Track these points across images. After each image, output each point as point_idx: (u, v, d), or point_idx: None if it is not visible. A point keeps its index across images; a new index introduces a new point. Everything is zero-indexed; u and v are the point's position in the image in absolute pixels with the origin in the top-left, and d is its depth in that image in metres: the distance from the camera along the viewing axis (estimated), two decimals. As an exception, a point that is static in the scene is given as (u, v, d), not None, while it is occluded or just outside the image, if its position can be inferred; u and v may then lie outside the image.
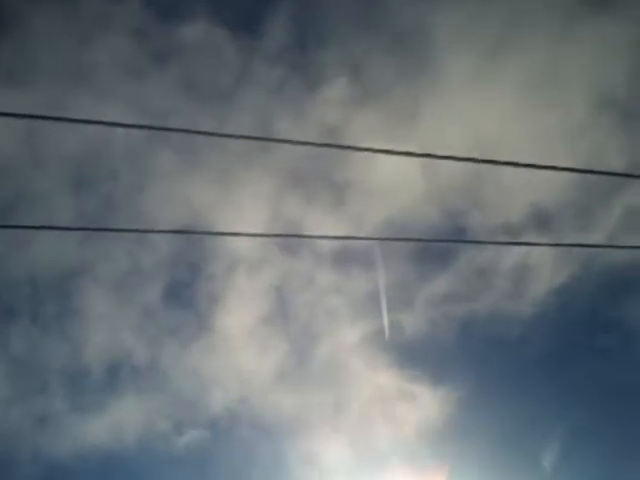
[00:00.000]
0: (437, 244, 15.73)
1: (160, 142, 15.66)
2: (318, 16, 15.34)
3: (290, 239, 15.70)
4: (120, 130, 15.53)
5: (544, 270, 15.39)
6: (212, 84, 15.68)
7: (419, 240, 10.77)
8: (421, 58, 15.15)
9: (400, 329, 15.92)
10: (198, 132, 5.14)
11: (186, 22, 15.48)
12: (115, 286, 16.04)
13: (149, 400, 15.98)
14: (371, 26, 15.16)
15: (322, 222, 15.64)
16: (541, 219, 15.02)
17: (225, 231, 15.86)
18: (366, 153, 15.33)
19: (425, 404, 15.59)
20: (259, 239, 15.71)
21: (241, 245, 15.96)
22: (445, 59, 15.11)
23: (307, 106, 15.30)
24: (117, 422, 15.57)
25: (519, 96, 15.27)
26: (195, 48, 15.59)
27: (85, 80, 15.34)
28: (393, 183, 15.20)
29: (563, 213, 15.03)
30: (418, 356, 15.99)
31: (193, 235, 15.83)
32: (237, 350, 16.10)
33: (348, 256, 15.96)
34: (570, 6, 15.13)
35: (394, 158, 15.39)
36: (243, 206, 15.52)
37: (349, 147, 5.50)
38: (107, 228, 7.93)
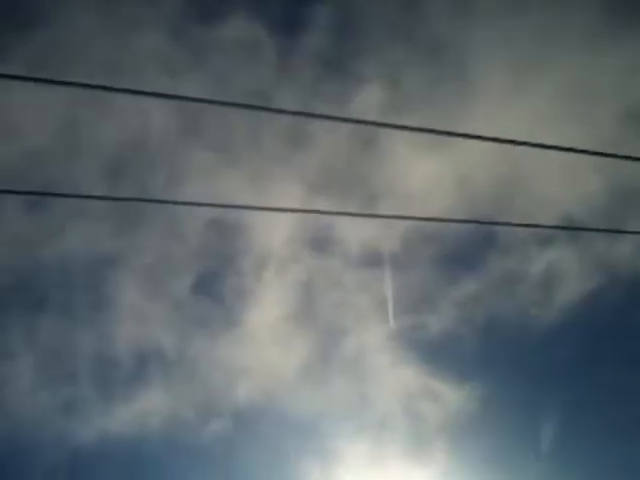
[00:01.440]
0: (465, 249, 15.98)
1: (196, 137, 15.91)
2: (356, 21, 15.58)
3: (319, 238, 15.91)
4: (157, 123, 15.72)
5: (571, 277, 15.65)
6: (249, 82, 15.89)
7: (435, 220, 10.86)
8: (456, 69, 15.45)
9: (425, 328, 16.19)
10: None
11: (225, 19, 15.71)
12: (146, 277, 16.27)
13: (175, 390, 16.23)
14: (408, 35, 15.43)
15: (352, 224, 15.91)
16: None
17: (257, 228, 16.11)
18: (400, 161, 15.42)
19: (448, 401, 15.88)
20: (289, 237, 15.92)
21: (271, 241, 16.24)
22: (479, 71, 15.42)
23: (343, 108, 15.52)
24: (143, 411, 15.80)
25: (551, 109, 15.52)
26: (233, 45, 15.81)
27: (122, 76, 15.53)
28: (425, 191, 15.46)
29: (593, 223, 15.29)
30: (442, 355, 16.29)
31: (225, 229, 16.07)
32: (263, 344, 16.35)
33: (376, 257, 16.20)
34: (600, 21, 15.39)
35: (428, 166, 15.56)
36: (275, 204, 15.69)
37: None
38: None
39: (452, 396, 16.03)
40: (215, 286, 16.52)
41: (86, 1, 15.30)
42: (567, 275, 15.79)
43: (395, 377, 16.14)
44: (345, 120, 5.70)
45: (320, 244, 16.16)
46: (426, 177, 15.51)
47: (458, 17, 15.26)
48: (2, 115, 15.10)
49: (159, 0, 15.67)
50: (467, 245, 16.29)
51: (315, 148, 15.86)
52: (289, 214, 15.97)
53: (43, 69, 15.14)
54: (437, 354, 16.28)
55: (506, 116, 15.59)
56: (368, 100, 15.53)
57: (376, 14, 15.48)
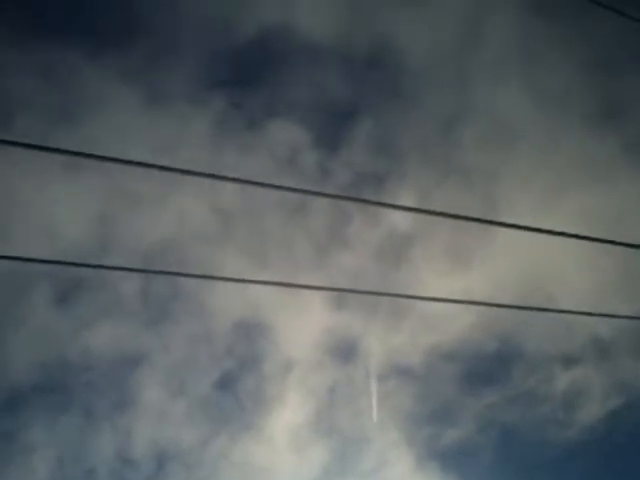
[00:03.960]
0: (487, 367, 16.31)
1: (230, 241, 16.21)
2: (395, 140, 16.23)
3: (344, 348, 16.16)
4: (193, 224, 16.03)
5: (593, 397, 15.90)
6: (287, 185, 16.22)
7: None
8: (486, 193, 16.05)
9: (445, 439, 16.30)
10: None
11: (270, 123, 16.22)
12: (169, 376, 16.28)
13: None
14: (441, 158, 16.10)
15: (375, 337, 16.27)
16: (597, 350, 15.65)
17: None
18: (427, 279, 15.65)
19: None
20: (315, 344, 16.15)
21: (297, 347, 16.42)
22: (508, 196, 16.03)
23: (374, 220, 16.00)
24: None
25: (576, 230, 15.99)
26: (272, 151, 16.24)
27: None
28: (449, 309, 15.86)
29: (621, 344, 15.68)
30: (460, 464, 16.37)
31: (251, 332, 16.25)
32: (283, 449, 16.30)
33: (399, 369, 16.47)
34: (622, 152, 16.15)
35: (453, 286, 15.84)
36: (302, 311, 16.02)
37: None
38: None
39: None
40: (238, 388, 16.57)
41: (135, 98, 15.66)
42: (589, 394, 16.04)
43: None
44: (382, 205, 5.88)
45: (345, 354, 16.40)
46: (451, 296, 15.87)
47: (494, 145, 15.95)
48: (39, 206, 15.36)
49: (206, 101, 16.10)
50: (489, 362, 16.61)
51: (345, 259, 16.23)
52: (316, 323, 16.22)
53: (80, 165, 15.39)
54: (455, 464, 16.38)
55: (532, 241, 16.04)
56: (398, 217, 16.02)
57: (413, 136, 16.13)
